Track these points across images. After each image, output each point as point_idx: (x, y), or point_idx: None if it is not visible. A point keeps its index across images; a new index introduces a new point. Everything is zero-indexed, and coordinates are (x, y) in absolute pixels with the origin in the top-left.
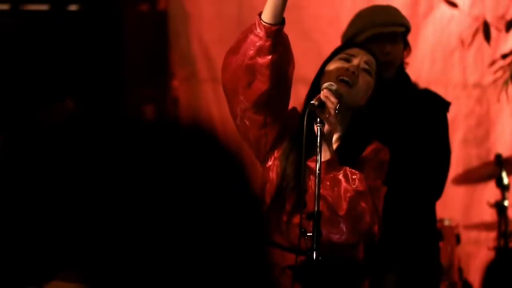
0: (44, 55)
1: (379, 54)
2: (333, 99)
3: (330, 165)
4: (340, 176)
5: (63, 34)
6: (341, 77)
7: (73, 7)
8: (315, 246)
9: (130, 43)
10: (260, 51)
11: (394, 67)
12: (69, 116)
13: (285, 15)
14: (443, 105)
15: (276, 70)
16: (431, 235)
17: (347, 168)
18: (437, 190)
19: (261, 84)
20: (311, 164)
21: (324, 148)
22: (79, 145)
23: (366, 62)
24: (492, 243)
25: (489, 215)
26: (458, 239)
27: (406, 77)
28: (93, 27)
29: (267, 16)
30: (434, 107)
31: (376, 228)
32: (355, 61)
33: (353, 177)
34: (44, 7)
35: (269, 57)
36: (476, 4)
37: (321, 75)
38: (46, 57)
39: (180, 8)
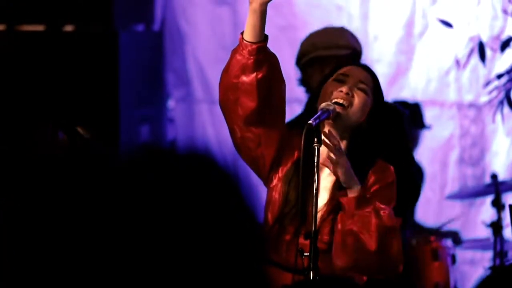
0: (39, 76)
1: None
2: (334, 140)
3: (360, 201)
4: (371, 212)
5: (59, 55)
6: (336, 100)
7: (68, 28)
8: (312, 266)
9: (126, 64)
10: (244, 69)
11: None
12: (61, 148)
13: (281, 35)
14: (399, 115)
15: (263, 88)
16: None
17: (377, 203)
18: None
19: (250, 102)
20: (343, 200)
21: (351, 188)
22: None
23: (361, 81)
24: (487, 263)
25: (485, 235)
26: (453, 259)
27: None
28: (89, 47)
29: (247, 34)
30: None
31: (401, 266)
32: (350, 82)
33: (383, 212)
34: (40, 27)
35: (253, 75)
36: (471, 24)
37: (317, 96)
38: (41, 77)
39: (176, 28)
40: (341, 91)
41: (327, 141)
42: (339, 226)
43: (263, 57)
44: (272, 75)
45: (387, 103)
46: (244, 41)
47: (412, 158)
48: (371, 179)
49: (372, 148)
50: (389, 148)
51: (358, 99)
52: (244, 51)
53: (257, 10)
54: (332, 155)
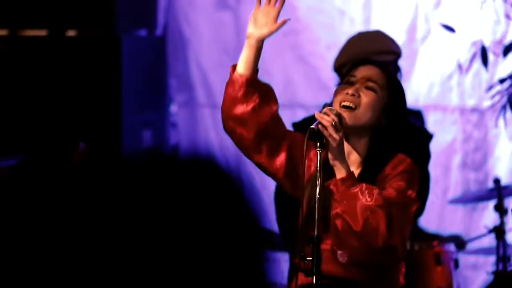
0: (41, 80)
1: None
2: (327, 117)
3: (346, 182)
4: (357, 192)
5: (61, 60)
6: (343, 103)
7: (71, 33)
8: (315, 270)
9: (128, 68)
10: (235, 102)
11: None
12: (85, 159)
13: (283, 40)
14: (427, 137)
15: (255, 118)
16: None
17: (364, 184)
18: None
19: (246, 133)
20: (330, 184)
21: (338, 167)
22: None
23: (369, 79)
24: (490, 268)
25: (488, 239)
26: (456, 264)
27: None
28: (91, 52)
29: (240, 66)
30: (418, 139)
31: (395, 243)
32: (358, 82)
33: (370, 192)
34: (42, 32)
35: (243, 106)
36: (474, 29)
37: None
38: (44, 82)
39: (178, 33)
40: (347, 93)
41: (324, 117)
42: (331, 212)
43: (253, 89)
44: (263, 105)
45: (413, 123)
46: (234, 74)
47: (426, 168)
48: (386, 171)
49: (392, 143)
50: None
51: (365, 98)
52: (235, 84)
53: (254, 46)
54: (328, 129)
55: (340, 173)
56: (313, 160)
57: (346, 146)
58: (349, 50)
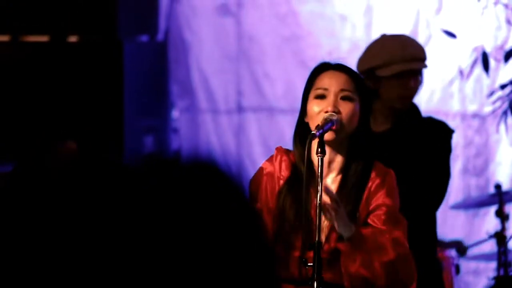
0: (43, 86)
1: (403, 89)
2: (331, 193)
3: (355, 243)
4: (369, 251)
5: (63, 65)
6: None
7: (73, 38)
8: (316, 276)
9: (130, 74)
10: None
11: (411, 100)
12: (72, 159)
13: (285, 45)
14: (448, 132)
15: None
16: (431, 252)
17: (370, 238)
18: (435, 204)
19: None
20: (339, 245)
21: (343, 229)
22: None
23: (342, 89)
24: (491, 273)
25: (489, 245)
26: (457, 269)
27: (416, 108)
28: (93, 58)
29: None
30: (439, 134)
31: (414, 285)
32: (331, 95)
33: (384, 245)
34: (44, 38)
35: None
36: (475, 34)
37: (304, 112)
38: (46, 88)
39: (180, 38)
40: (327, 112)
41: (332, 206)
42: (343, 269)
43: None
44: None
45: (436, 119)
46: None
47: (447, 174)
48: (375, 182)
49: (370, 150)
50: (429, 161)
51: (345, 111)
52: None
53: None
54: (331, 210)
55: (346, 232)
56: (285, 171)
57: (329, 154)
58: (385, 53)
